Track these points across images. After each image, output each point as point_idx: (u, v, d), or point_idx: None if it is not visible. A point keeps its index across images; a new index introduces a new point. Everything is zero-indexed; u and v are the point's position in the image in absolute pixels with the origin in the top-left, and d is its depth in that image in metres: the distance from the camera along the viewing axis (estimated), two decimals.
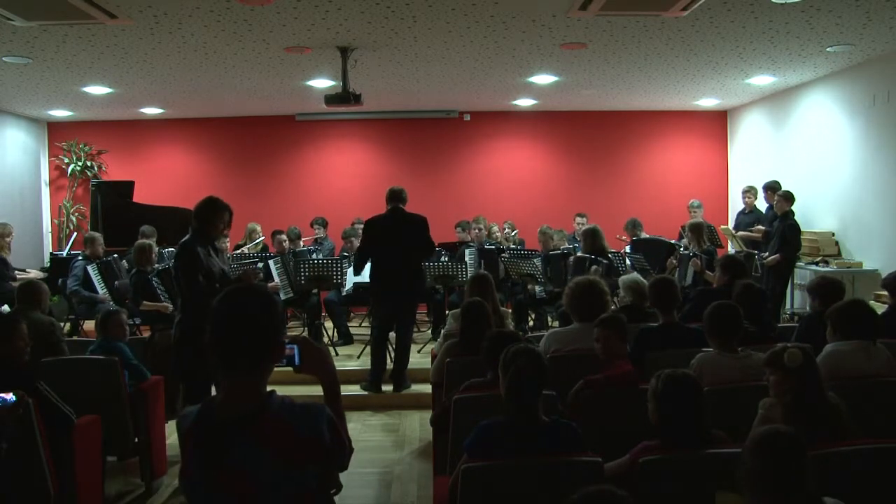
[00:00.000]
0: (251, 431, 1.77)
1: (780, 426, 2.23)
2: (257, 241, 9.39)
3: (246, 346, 1.82)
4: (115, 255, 7.77)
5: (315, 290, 7.74)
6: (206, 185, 10.63)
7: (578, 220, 9.32)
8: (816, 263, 7.66)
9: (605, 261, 6.90)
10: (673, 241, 8.23)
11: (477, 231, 8.74)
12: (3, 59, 6.56)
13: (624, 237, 8.91)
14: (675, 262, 7.66)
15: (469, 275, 7.66)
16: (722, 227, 9.01)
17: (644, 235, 8.71)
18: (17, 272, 7.72)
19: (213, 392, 4.38)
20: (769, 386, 2.93)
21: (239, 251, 8.88)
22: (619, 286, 5.26)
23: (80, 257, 7.61)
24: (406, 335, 6.62)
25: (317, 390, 2.03)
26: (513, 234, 9.65)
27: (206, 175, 10.79)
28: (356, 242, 7.97)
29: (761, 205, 8.79)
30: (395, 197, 6.52)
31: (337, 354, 7.32)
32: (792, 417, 2.74)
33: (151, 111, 9.97)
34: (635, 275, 5.42)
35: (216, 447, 1.77)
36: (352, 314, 9.33)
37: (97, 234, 7.83)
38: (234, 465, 1.75)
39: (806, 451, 2.08)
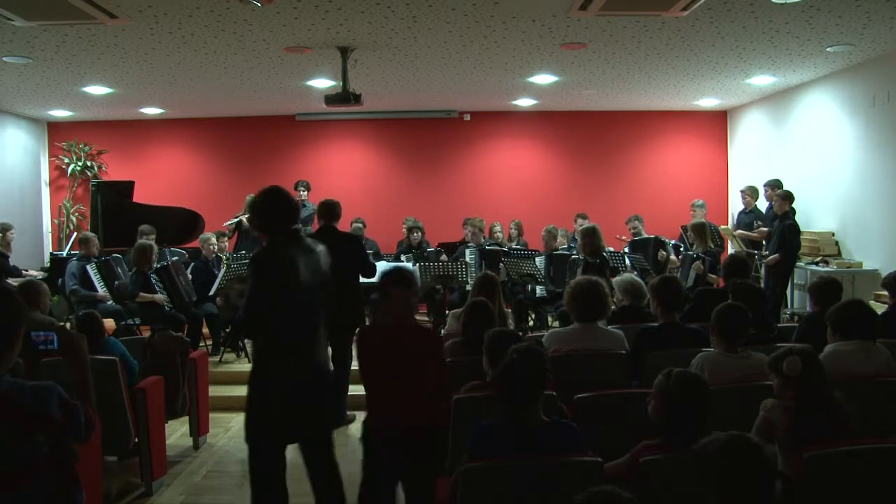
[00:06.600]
0: None
1: (741, 435, 2.23)
2: None
3: None
4: (119, 256, 7.77)
5: None
6: (207, 185, 10.68)
7: (580, 221, 9.28)
8: (816, 263, 7.66)
9: (594, 260, 6.86)
10: (662, 237, 8.23)
11: (472, 232, 8.70)
12: (3, 59, 6.56)
13: (625, 237, 8.90)
14: (665, 254, 7.64)
15: (469, 275, 7.68)
16: (722, 227, 9.01)
17: (643, 234, 8.71)
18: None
19: None
20: (774, 387, 2.94)
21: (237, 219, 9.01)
22: (614, 287, 5.25)
23: (75, 258, 7.61)
24: None
25: None
26: (519, 235, 9.62)
27: (206, 175, 10.79)
28: None
29: (762, 204, 8.79)
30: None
31: None
32: (795, 420, 2.74)
33: (151, 111, 9.97)
34: (630, 275, 5.41)
35: None
36: None
37: (91, 235, 7.85)
38: None
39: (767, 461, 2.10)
